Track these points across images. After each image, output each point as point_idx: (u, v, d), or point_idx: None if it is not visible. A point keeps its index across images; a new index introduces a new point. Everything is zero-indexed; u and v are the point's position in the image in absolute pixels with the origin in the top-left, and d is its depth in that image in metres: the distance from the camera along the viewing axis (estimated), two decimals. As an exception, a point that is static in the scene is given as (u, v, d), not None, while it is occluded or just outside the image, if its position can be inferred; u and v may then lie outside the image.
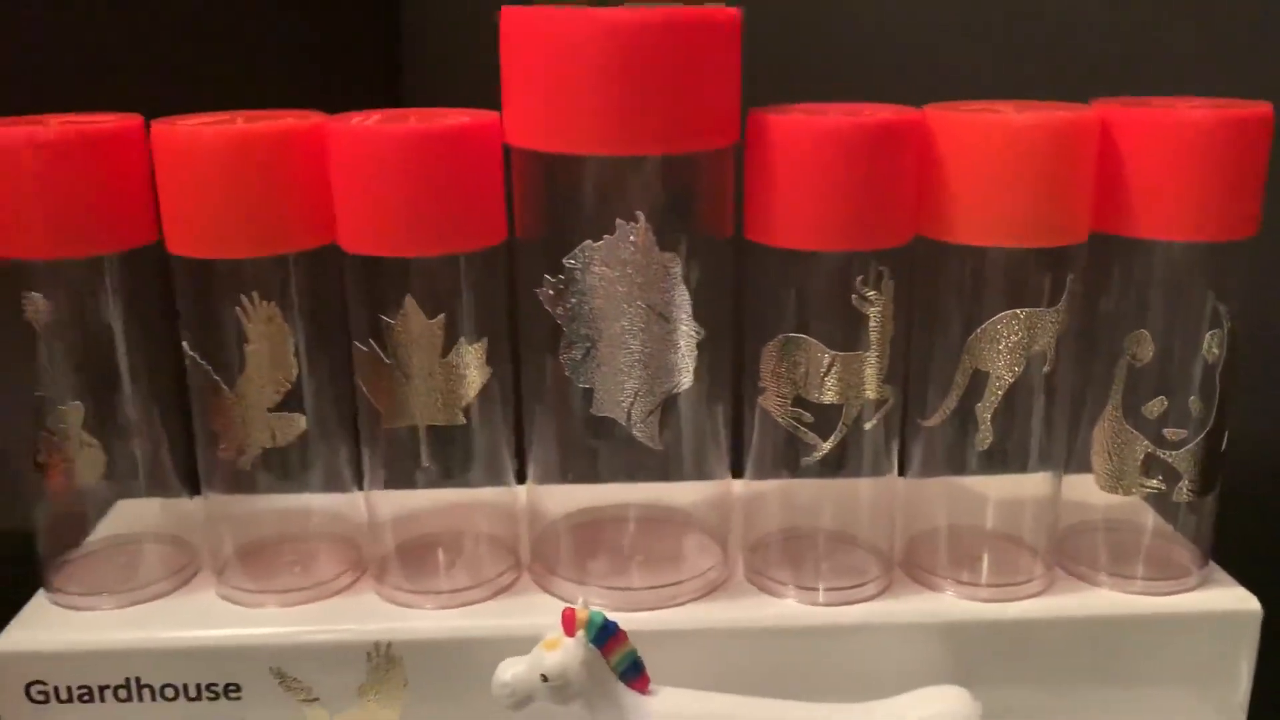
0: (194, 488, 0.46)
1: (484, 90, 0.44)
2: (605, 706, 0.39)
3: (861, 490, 0.45)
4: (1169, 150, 0.40)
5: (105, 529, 0.47)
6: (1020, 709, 0.43)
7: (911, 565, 0.45)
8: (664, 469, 0.44)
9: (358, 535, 0.46)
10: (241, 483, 0.43)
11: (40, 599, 0.44)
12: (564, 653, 0.39)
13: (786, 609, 0.44)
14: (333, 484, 0.45)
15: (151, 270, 0.42)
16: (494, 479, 0.44)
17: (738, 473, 0.46)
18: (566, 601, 0.42)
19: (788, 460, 0.43)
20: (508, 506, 0.46)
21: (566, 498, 0.46)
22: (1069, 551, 0.46)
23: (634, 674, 0.40)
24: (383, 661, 0.42)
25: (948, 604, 0.44)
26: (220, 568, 0.45)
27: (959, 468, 0.45)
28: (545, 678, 0.38)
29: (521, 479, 0.46)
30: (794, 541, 0.46)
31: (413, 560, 0.45)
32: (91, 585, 0.44)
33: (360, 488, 0.45)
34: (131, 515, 0.46)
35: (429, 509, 0.45)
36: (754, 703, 0.41)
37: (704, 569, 0.45)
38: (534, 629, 0.39)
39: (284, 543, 0.45)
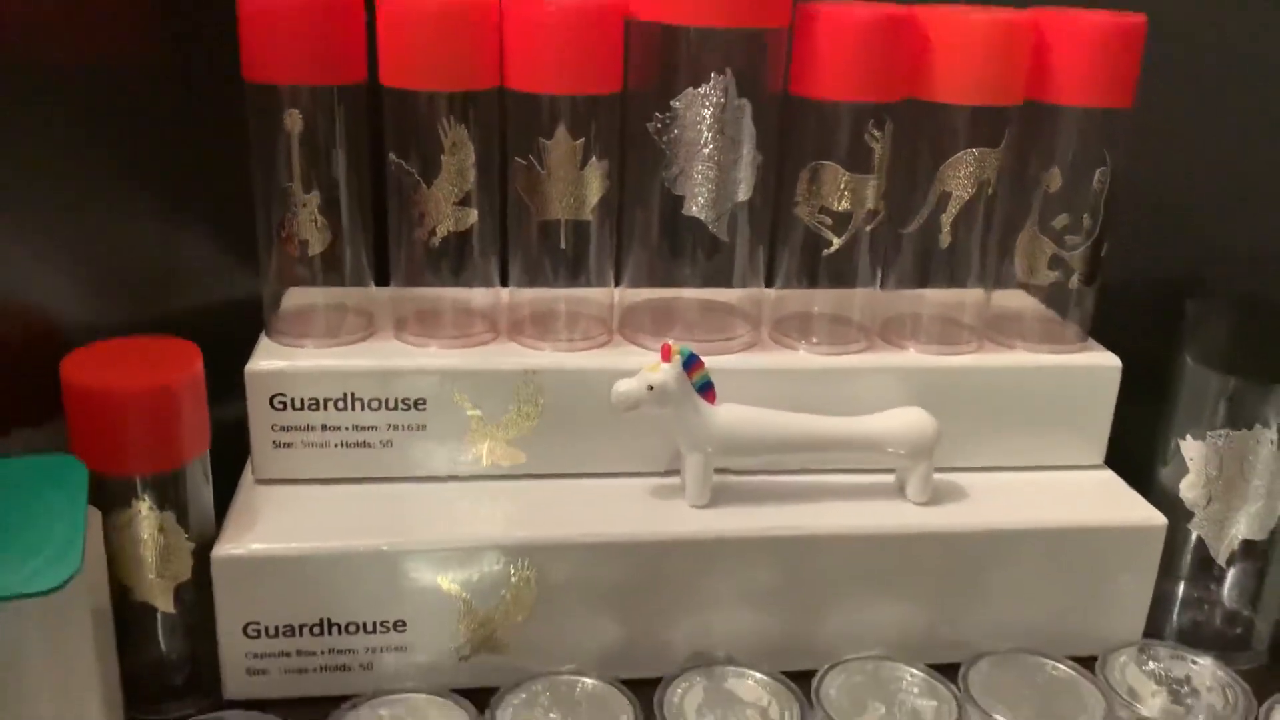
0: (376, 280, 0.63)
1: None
2: (687, 411, 0.58)
3: (856, 295, 0.64)
4: (1075, 44, 0.59)
5: (305, 299, 0.63)
6: (957, 433, 0.63)
7: (886, 335, 0.65)
8: (721, 270, 0.62)
9: (498, 315, 0.63)
10: (423, 267, 0.60)
11: (264, 340, 0.61)
12: (663, 372, 0.57)
13: (799, 358, 0.63)
14: (482, 281, 0.61)
15: (363, 100, 0.58)
16: (600, 273, 0.62)
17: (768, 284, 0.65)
18: (649, 352, 0.60)
19: (811, 259, 0.62)
20: (605, 298, 0.63)
21: (649, 292, 0.64)
22: (995, 328, 0.65)
23: (707, 389, 0.58)
24: (526, 385, 0.59)
25: (910, 356, 0.63)
26: (399, 326, 0.62)
27: (924, 278, 0.63)
28: (651, 387, 0.57)
29: (616, 283, 0.64)
30: (805, 320, 0.65)
31: (538, 325, 0.62)
32: (301, 332, 0.60)
33: (504, 285, 0.62)
34: (323, 293, 0.62)
35: (552, 296, 0.63)
36: (782, 413, 0.60)
37: (742, 334, 0.63)
38: (627, 366, 0.58)
39: (446, 314, 0.62)
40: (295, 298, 0.63)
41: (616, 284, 0.64)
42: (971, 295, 0.64)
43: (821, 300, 0.65)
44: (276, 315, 0.61)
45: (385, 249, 0.62)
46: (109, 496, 0.51)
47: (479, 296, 0.62)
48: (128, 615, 0.53)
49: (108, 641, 0.51)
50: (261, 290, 0.61)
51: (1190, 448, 0.61)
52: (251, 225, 0.60)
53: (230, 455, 0.61)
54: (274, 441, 0.59)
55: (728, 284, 0.63)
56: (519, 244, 0.60)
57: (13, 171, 0.57)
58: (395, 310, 0.63)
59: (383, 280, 0.63)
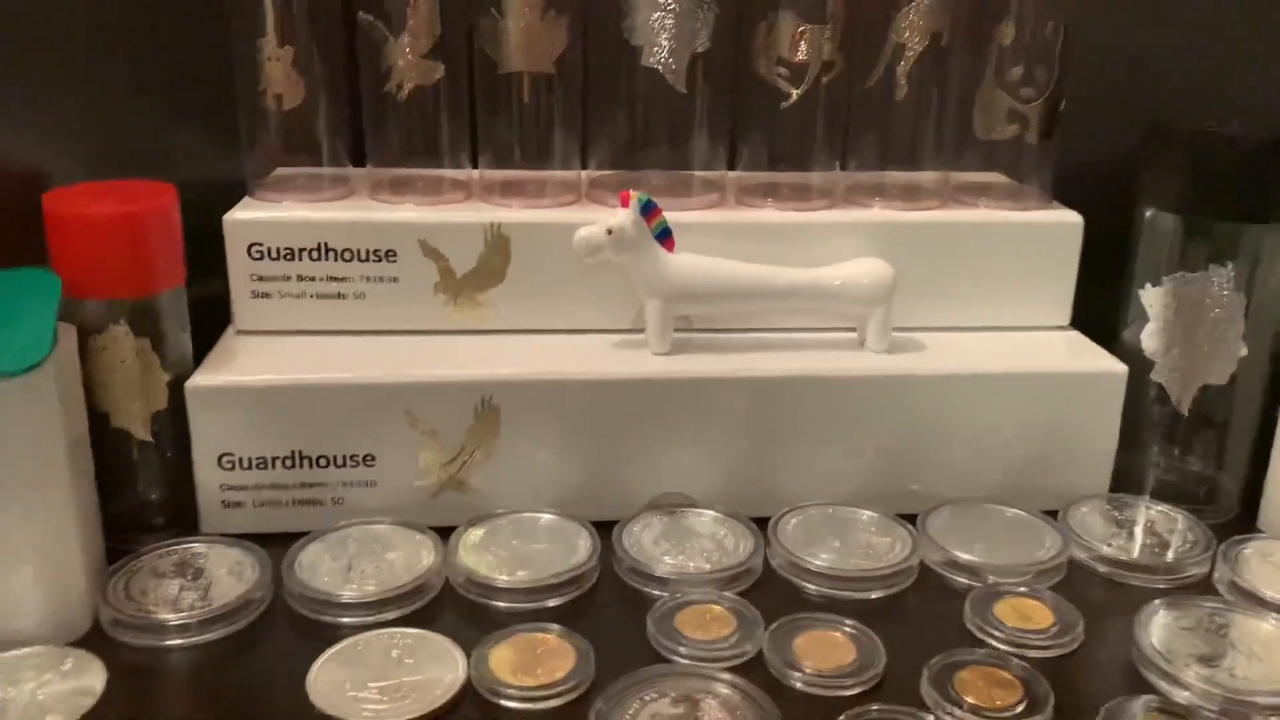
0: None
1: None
2: (645, 257, 0.60)
3: (813, 176, 0.65)
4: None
5: (286, 173, 0.65)
6: (921, 291, 0.64)
7: (850, 197, 0.66)
8: (683, 154, 0.64)
9: (471, 183, 0.65)
10: (396, 136, 0.62)
11: (246, 199, 0.63)
12: (622, 216, 0.59)
13: (762, 214, 0.64)
14: (451, 154, 0.64)
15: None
16: (566, 150, 0.64)
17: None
18: (616, 210, 0.62)
19: (769, 113, 0.63)
20: (574, 179, 0.65)
21: (617, 171, 0.66)
22: (959, 190, 0.66)
23: (665, 236, 0.60)
24: (494, 238, 0.61)
25: (873, 212, 0.64)
26: (373, 189, 0.64)
27: (885, 144, 0.64)
28: (610, 231, 0.59)
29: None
30: (772, 187, 0.66)
31: (508, 190, 0.64)
32: (282, 192, 0.63)
33: (475, 166, 0.65)
34: (305, 171, 0.65)
35: (518, 177, 0.65)
36: (743, 265, 0.61)
37: (710, 196, 0.65)
38: (594, 219, 0.59)
39: (418, 180, 0.64)
40: (278, 174, 0.65)
41: (584, 167, 0.66)
42: (930, 177, 0.66)
43: (784, 179, 0.66)
44: (259, 181, 0.63)
45: (361, 125, 0.64)
46: (88, 321, 0.54)
47: (451, 173, 0.65)
48: (106, 446, 0.55)
49: (86, 467, 0.53)
50: (245, 165, 0.64)
51: (1149, 295, 0.61)
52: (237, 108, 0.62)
53: (216, 332, 0.63)
54: (252, 291, 0.61)
55: (690, 166, 0.65)
56: (486, 107, 0.62)
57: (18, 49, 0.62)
58: (371, 180, 0.65)
59: (360, 163, 0.66)
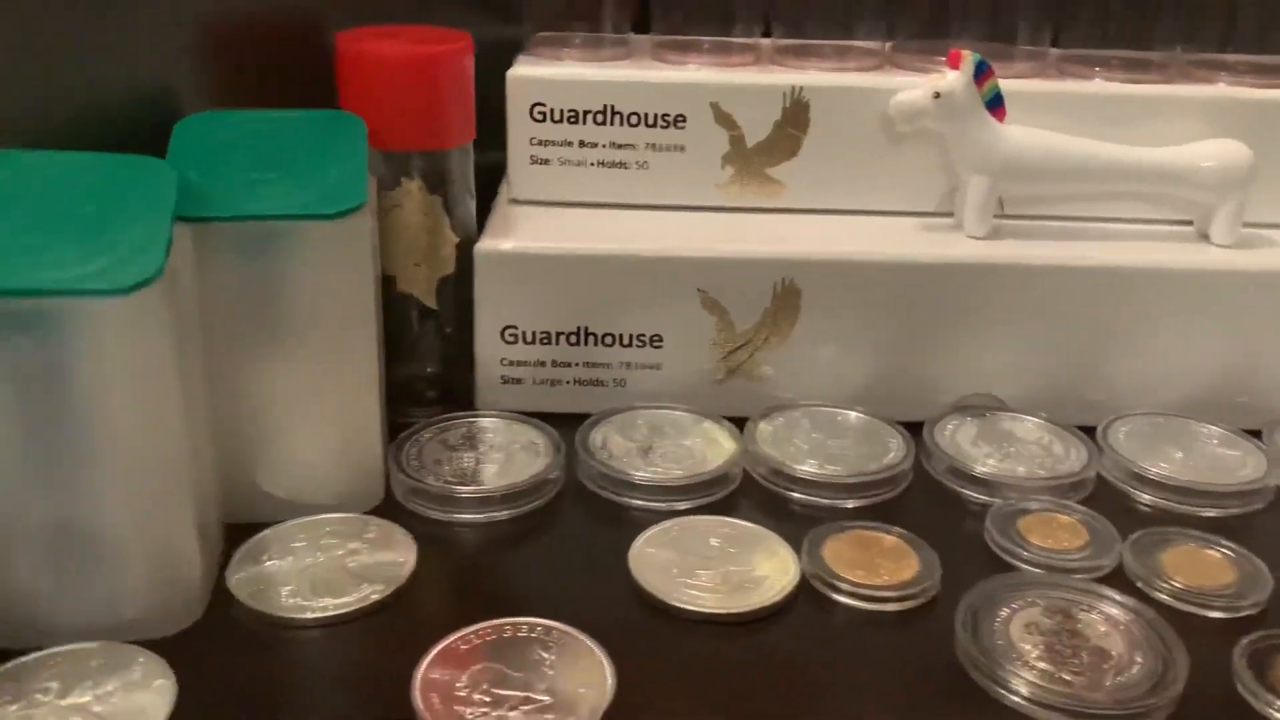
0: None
1: None
2: (974, 126, 0.53)
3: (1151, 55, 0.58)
4: None
5: (558, 35, 0.61)
6: (1267, 174, 0.55)
7: (1188, 72, 0.58)
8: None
9: (760, 49, 0.60)
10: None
11: (523, 56, 0.59)
12: (951, 78, 0.53)
13: (1093, 85, 0.57)
14: (746, 31, 0.59)
15: None
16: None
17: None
18: (928, 76, 0.56)
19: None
20: (875, 47, 0.59)
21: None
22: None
23: (997, 104, 0.53)
24: (792, 104, 0.56)
25: (1219, 90, 0.57)
26: (656, 50, 0.59)
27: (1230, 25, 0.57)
28: (937, 95, 0.53)
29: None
30: (1100, 58, 0.59)
31: (803, 54, 0.59)
32: (560, 48, 0.59)
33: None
34: (575, 35, 0.60)
35: (814, 45, 0.59)
36: (1080, 140, 0.54)
37: (1029, 64, 0.58)
38: (906, 86, 0.54)
39: (705, 44, 0.59)
40: (554, 35, 0.60)
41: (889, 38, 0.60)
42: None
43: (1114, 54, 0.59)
44: (535, 39, 0.59)
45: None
46: (380, 176, 0.50)
47: (740, 40, 0.59)
48: (390, 312, 0.52)
49: (380, 329, 0.50)
50: (521, 25, 0.59)
51: None
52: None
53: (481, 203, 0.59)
54: (531, 157, 0.57)
55: (1008, 39, 0.58)
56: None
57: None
58: (653, 44, 0.60)
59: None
